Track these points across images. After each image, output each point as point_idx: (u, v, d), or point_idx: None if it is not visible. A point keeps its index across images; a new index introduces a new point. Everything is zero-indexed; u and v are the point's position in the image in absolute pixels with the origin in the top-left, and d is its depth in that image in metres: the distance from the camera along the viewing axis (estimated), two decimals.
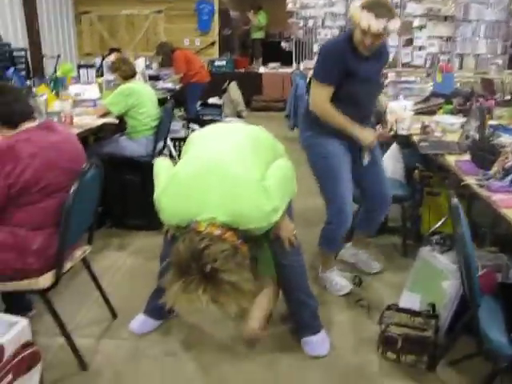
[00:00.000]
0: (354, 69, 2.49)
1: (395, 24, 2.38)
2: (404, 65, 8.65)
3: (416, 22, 8.62)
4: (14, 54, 5.83)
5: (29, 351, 1.82)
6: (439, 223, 3.02)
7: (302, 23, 9.82)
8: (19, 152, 1.95)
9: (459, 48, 8.61)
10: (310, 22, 9.75)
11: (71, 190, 2.02)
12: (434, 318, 2.26)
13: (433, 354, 2.21)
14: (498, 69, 7.00)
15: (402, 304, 2.45)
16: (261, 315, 2.34)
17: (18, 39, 7.78)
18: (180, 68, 6.86)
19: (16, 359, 1.76)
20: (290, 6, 9.41)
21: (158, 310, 2.51)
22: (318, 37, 9.82)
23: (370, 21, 2.34)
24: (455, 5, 8.25)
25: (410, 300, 2.47)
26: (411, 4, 8.38)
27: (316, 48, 9.87)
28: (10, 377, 1.71)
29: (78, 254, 2.36)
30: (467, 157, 2.64)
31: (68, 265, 2.24)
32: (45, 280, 2.09)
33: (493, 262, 2.41)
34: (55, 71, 6.97)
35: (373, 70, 2.59)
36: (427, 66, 8.56)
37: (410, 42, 8.84)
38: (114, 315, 2.64)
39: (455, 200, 1.72)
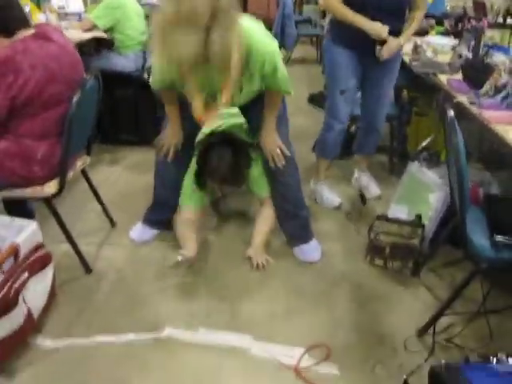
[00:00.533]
0: None
1: None
2: None
3: None
4: None
5: (41, 251, 1.92)
6: (426, 141, 3.12)
7: None
8: (20, 64, 1.91)
9: None
10: None
11: (74, 100, 2.03)
12: (421, 227, 2.41)
13: (417, 261, 2.37)
14: None
15: (390, 215, 2.59)
16: (264, 238, 2.49)
17: None
18: None
19: (30, 259, 1.86)
20: None
21: (155, 220, 2.62)
22: None
23: None
24: None
25: (398, 212, 2.61)
26: None
27: None
28: (25, 275, 1.81)
29: (79, 164, 2.41)
30: (459, 77, 2.70)
31: (70, 174, 2.30)
32: (49, 188, 2.15)
33: (477, 178, 2.54)
34: None
35: None
36: None
37: None
38: (113, 224, 2.74)
39: (451, 112, 1.80)
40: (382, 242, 2.38)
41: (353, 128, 3.42)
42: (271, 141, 2.30)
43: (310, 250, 2.51)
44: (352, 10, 2.50)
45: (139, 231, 2.63)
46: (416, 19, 2.65)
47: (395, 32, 2.55)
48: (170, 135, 2.36)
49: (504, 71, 2.29)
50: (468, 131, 2.92)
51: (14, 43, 1.97)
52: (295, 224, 2.53)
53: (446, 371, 1.42)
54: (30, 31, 2.05)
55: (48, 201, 2.18)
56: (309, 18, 8.65)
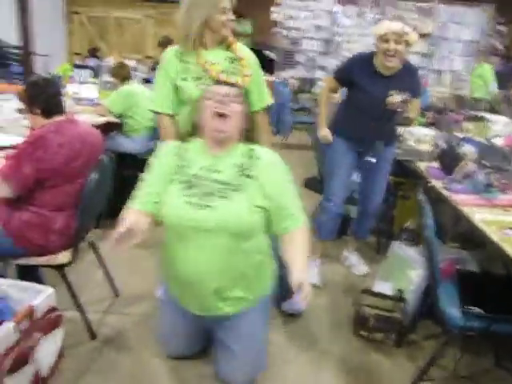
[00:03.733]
0: (358, 80, 2.86)
1: (413, 35, 2.73)
2: None
3: None
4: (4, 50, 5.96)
5: (54, 314, 2.10)
6: (409, 222, 3.37)
7: (286, 33, 10.14)
8: (50, 141, 2.23)
9: (437, 64, 9.10)
10: (294, 33, 10.09)
11: (92, 177, 2.32)
12: (402, 302, 2.60)
13: (399, 333, 2.54)
14: None
15: (375, 290, 2.78)
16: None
17: (7, 35, 7.67)
18: None
19: (43, 320, 2.04)
20: (274, 16, 9.71)
21: None
22: (302, 47, 10.20)
23: (388, 24, 2.75)
24: (434, 24, 8.74)
25: (382, 287, 2.80)
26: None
27: (300, 58, 10.28)
28: (38, 334, 1.99)
29: (89, 235, 2.64)
30: (436, 164, 3.00)
31: (81, 245, 2.52)
32: (63, 257, 2.37)
33: (455, 256, 2.76)
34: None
35: (383, 89, 2.78)
36: None
37: None
38: (117, 294, 2.92)
39: (421, 194, 2.06)
40: (366, 314, 2.56)
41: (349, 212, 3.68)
42: None
43: (294, 302, 2.61)
44: (353, 106, 2.96)
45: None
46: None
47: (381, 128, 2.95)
48: None
49: (471, 161, 2.59)
50: (446, 213, 3.19)
51: (48, 124, 2.31)
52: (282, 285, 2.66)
53: None
54: (63, 117, 2.38)
55: (60, 269, 2.39)
56: (304, 106, 9.22)
